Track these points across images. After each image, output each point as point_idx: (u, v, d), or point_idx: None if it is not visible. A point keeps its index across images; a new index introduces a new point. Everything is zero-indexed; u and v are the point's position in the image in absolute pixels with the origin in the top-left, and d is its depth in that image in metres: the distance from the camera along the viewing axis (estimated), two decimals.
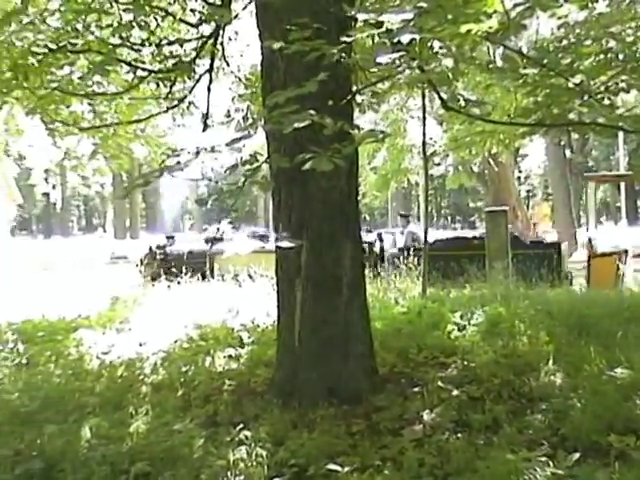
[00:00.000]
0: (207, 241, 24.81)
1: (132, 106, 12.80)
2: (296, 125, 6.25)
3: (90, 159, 15.56)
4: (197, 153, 6.44)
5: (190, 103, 12.08)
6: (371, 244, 22.17)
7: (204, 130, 10.11)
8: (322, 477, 5.82)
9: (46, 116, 12.11)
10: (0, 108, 12.46)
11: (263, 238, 24.51)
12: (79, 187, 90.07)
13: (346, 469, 5.80)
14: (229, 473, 6.07)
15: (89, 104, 12.71)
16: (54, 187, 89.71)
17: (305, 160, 6.27)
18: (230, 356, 10.06)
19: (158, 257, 23.47)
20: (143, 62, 10.27)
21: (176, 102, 10.92)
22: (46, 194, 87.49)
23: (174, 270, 21.00)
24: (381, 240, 23.04)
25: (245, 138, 6.69)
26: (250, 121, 11.15)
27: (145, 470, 6.18)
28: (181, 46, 10.38)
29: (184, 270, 19.74)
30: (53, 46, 9.55)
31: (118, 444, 6.82)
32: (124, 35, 9.64)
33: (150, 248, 24.22)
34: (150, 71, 10.08)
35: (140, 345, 10.88)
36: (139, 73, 10.23)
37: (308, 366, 7.99)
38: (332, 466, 5.87)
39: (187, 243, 25.37)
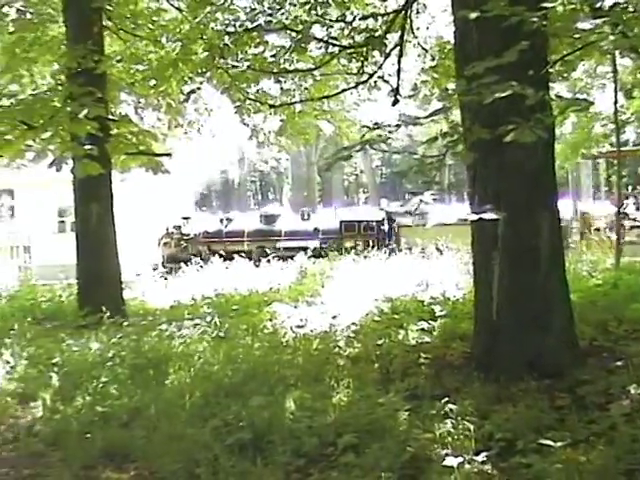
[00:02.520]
0: (221, 220, 24.84)
1: (320, 82, 12.91)
2: (497, 95, 6.17)
3: (277, 136, 15.77)
4: (397, 126, 6.44)
5: (378, 77, 12.06)
6: (379, 222, 22.24)
7: (394, 104, 10.10)
8: (532, 452, 5.71)
9: (237, 94, 12.36)
10: (199, 88, 12.80)
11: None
12: (257, 163, 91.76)
13: (558, 444, 5.69)
14: (435, 446, 6.07)
15: (278, 81, 12.88)
16: (232, 163, 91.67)
17: (507, 132, 6.19)
18: (423, 329, 10.05)
19: (175, 237, 23.71)
20: (335, 38, 10.34)
21: (367, 77, 10.94)
22: (225, 170, 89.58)
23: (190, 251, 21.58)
24: (390, 220, 22.91)
25: (445, 110, 6.66)
26: (442, 94, 11.03)
27: (352, 442, 6.25)
28: (375, 20, 10.37)
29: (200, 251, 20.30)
30: (249, 25, 9.73)
31: (322, 416, 6.94)
32: (319, 12, 9.71)
33: (167, 228, 24.46)
34: (342, 47, 10.13)
35: (333, 318, 10.99)
36: (330, 49, 10.31)
37: (507, 339, 7.90)
38: (543, 440, 5.77)
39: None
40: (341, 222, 22.47)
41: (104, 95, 13.57)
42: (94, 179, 13.45)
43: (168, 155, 15.58)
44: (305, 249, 21.20)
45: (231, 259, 21.10)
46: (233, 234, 23.59)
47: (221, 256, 21.52)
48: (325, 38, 10.29)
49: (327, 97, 13.42)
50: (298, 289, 14.58)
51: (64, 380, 9.16)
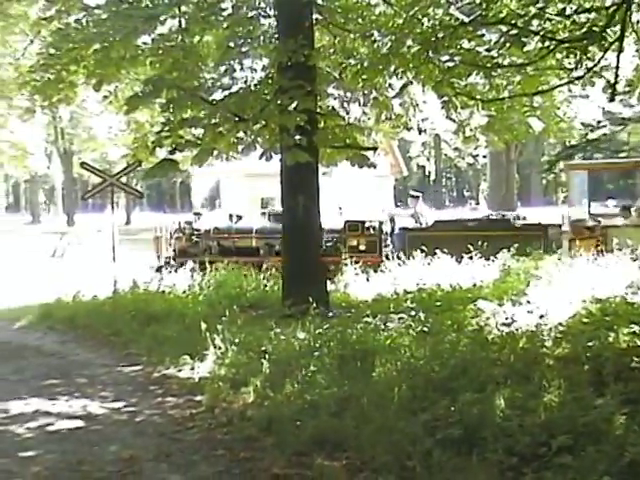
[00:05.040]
0: (230, 218, 25.21)
1: (532, 78, 12.62)
2: None
3: (484, 131, 15.59)
4: (622, 124, 6.26)
5: (594, 73, 11.72)
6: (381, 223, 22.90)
7: (611, 100, 9.82)
8: None
9: (446, 89, 12.26)
10: (411, 83, 12.84)
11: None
12: (454, 159, 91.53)
13: None
14: None
15: (487, 76, 12.70)
16: (428, 159, 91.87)
17: None
18: (635, 333, 9.69)
19: (187, 233, 24.31)
20: (551, 32, 10.13)
21: (583, 72, 10.65)
22: (422, 167, 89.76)
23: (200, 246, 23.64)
24: (392, 221, 23.54)
25: None
26: None
27: (567, 443, 6.15)
28: (598, 13, 10.08)
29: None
30: (465, 19, 9.67)
31: (533, 415, 6.84)
32: (538, 6, 9.54)
33: (179, 223, 25.06)
34: (560, 41, 9.91)
35: (540, 317, 10.78)
36: (546, 43, 10.11)
37: None
38: None
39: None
40: (345, 222, 22.83)
41: (313, 88, 13.79)
42: (301, 171, 13.74)
43: (374, 149, 15.70)
44: None
45: (240, 254, 22.69)
46: (242, 231, 24.34)
47: (230, 251, 23.22)
48: (541, 32, 10.09)
49: (540, 92, 13.15)
50: (502, 287, 14.39)
51: (273, 367, 9.41)
